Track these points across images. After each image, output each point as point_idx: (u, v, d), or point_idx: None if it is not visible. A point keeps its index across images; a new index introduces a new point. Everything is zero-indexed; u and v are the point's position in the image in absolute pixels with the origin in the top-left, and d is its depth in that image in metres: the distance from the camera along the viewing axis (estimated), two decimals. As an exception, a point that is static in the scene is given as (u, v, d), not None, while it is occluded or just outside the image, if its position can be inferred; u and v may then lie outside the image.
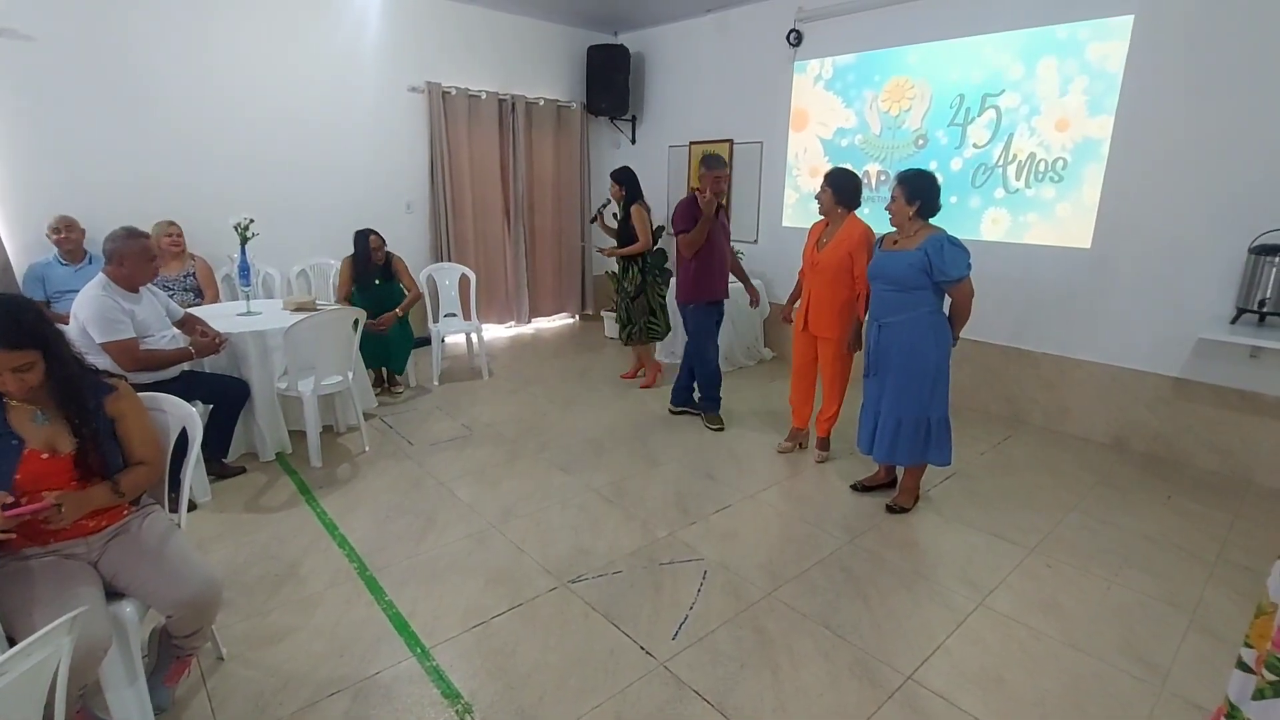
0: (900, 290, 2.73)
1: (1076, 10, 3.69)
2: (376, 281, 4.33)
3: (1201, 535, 2.85)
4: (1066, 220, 3.89)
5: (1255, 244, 3.15)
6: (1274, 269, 3.06)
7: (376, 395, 4.32)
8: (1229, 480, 3.41)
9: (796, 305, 3.44)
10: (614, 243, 4.50)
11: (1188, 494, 3.24)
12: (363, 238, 4.28)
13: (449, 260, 5.59)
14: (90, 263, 3.78)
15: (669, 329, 4.65)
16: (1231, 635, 2.18)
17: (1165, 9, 3.40)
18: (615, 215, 4.48)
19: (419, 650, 2.06)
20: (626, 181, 4.29)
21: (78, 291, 2.69)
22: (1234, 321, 3.25)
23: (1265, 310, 3.11)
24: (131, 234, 2.70)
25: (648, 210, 4.34)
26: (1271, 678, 1.03)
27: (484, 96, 5.70)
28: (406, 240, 5.56)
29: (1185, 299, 3.50)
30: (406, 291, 4.45)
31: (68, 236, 3.73)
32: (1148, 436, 3.72)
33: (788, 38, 5.02)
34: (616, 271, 4.65)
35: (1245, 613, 2.32)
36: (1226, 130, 3.28)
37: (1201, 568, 2.61)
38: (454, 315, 5.05)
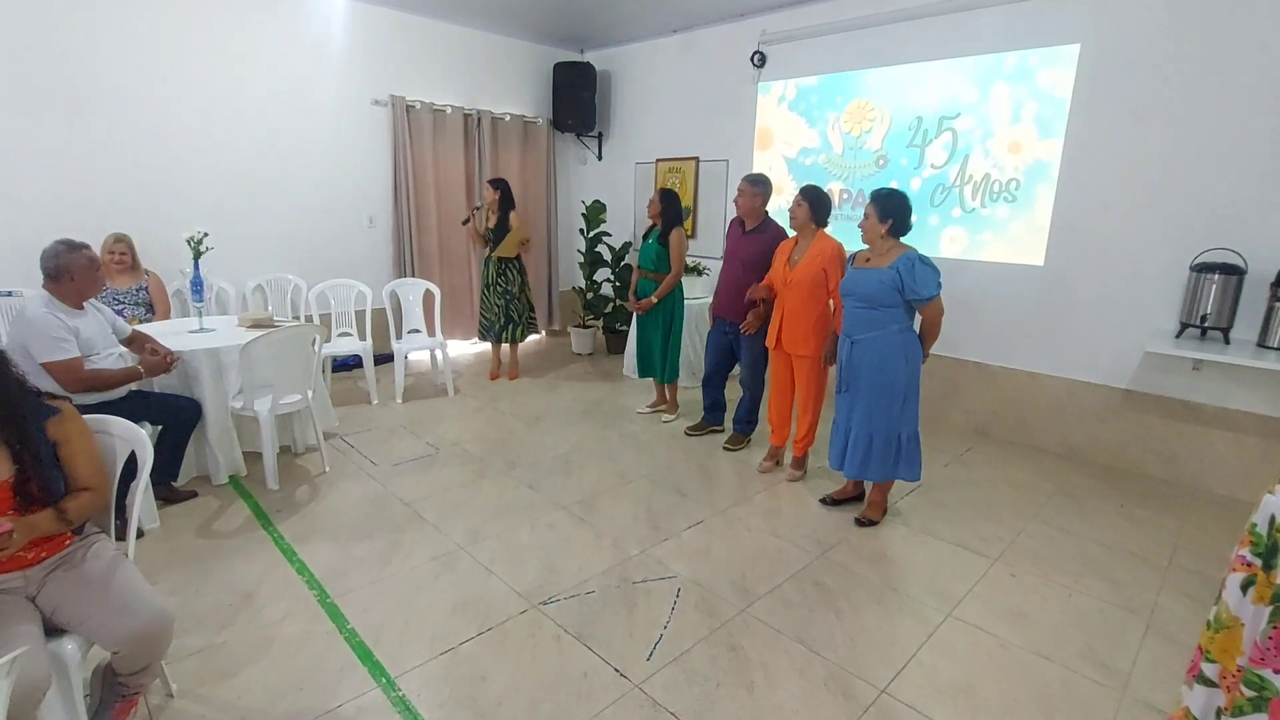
0: (871, 307, 2.78)
1: (1026, 39, 3.86)
2: (648, 240, 4.18)
3: (1153, 541, 2.96)
4: (1020, 238, 4.04)
5: (1196, 262, 3.32)
6: (1213, 285, 3.22)
7: (648, 411, 4.38)
8: (1176, 487, 3.55)
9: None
10: (481, 244, 4.87)
11: (1139, 502, 3.37)
12: None
13: (412, 276, 5.50)
14: None
15: None
16: (1186, 639, 2.25)
17: (1109, 40, 3.58)
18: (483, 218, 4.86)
19: (384, 680, 1.98)
20: (505, 189, 4.77)
21: None
22: (1178, 336, 3.40)
23: (1206, 325, 3.27)
24: (72, 246, 2.58)
25: None
26: (1250, 694, 1.05)
27: (449, 111, 5.65)
28: (369, 255, 5.46)
29: (1133, 314, 3.66)
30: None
31: None
32: (1100, 446, 3.86)
33: (752, 59, 5.12)
34: (489, 272, 4.88)
35: (1198, 616, 2.41)
36: (1168, 154, 3.46)
37: (1155, 573, 2.70)
38: (418, 331, 4.96)
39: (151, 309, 3.87)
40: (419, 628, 2.22)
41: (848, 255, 3.04)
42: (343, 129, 5.15)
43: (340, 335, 4.74)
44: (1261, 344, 3.19)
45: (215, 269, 4.25)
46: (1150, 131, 3.49)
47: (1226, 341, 3.28)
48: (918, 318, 2.83)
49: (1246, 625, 1.08)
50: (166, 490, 3.01)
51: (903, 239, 2.81)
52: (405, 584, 2.47)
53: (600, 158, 6.73)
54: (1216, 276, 3.21)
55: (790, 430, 3.56)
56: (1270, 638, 1.03)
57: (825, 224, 3.24)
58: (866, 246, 2.88)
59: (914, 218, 2.82)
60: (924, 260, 2.70)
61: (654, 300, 4.10)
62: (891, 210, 2.74)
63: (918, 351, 2.82)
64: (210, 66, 4.45)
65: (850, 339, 2.88)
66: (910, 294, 2.70)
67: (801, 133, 5.02)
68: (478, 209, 4.84)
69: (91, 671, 1.74)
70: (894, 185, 4.30)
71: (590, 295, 6.21)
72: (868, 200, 2.81)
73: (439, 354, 4.87)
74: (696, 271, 5.25)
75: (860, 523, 3.01)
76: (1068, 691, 2.01)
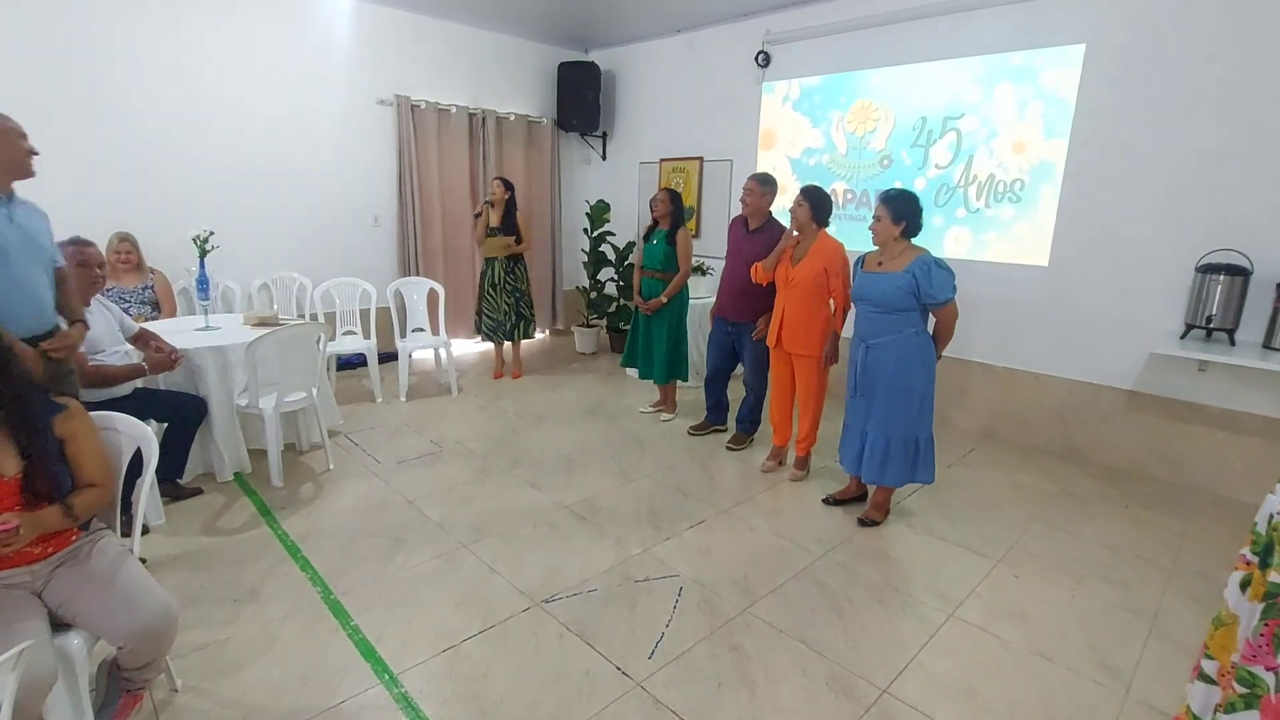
0: (886, 312, 2.76)
1: (1031, 39, 3.85)
2: (652, 241, 4.20)
3: (1157, 543, 2.95)
4: (1025, 239, 4.03)
5: (1201, 263, 3.30)
6: (1219, 286, 3.20)
7: (650, 411, 4.43)
8: (1180, 489, 3.53)
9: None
10: (487, 241, 4.85)
11: (1143, 503, 3.35)
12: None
13: (417, 275, 5.51)
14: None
15: None
16: (1189, 641, 2.24)
17: (1114, 40, 3.57)
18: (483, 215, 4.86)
19: (386, 677, 1.99)
20: (513, 189, 4.84)
21: None
22: (1183, 337, 3.39)
23: (1211, 326, 3.26)
24: (72, 242, 2.60)
25: None
26: (1242, 690, 1.05)
27: (454, 110, 5.67)
28: (373, 254, 5.47)
29: (1137, 315, 3.64)
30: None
31: None
32: (1104, 448, 3.84)
33: (756, 59, 5.12)
34: (495, 270, 4.89)
35: (1202, 619, 2.39)
36: (1173, 155, 3.44)
37: (1159, 575, 2.69)
38: (422, 330, 4.97)
39: (157, 307, 3.90)
40: (421, 625, 2.23)
41: (856, 258, 3.02)
42: (348, 128, 5.17)
43: (345, 334, 4.75)
44: (1267, 345, 3.18)
45: (221, 268, 4.27)
46: (1155, 132, 3.48)
47: (1232, 343, 3.26)
48: (930, 318, 2.81)
49: (1242, 622, 1.08)
50: (172, 487, 3.03)
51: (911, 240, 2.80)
52: (408, 582, 2.48)
53: (604, 157, 6.73)
54: (1222, 278, 3.19)
55: (792, 430, 3.56)
56: (1261, 634, 1.03)
57: (826, 224, 3.23)
58: (876, 249, 2.86)
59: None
60: (939, 263, 2.67)
61: (664, 300, 4.11)
62: (905, 212, 2.71)
63: (932, 354, 2.80)
64: (215, 66, 4.47)
65: (865, 343, 2.84)
66: (926, 298, 2.68)
67: (805, 133, 5.02)
68: (487, 203, 4.83)
69: (97, 666, 1.75)
70: (898, 185, 4.30)
71: (594, 295, 6.22)
72: (876, 201, 2.79)
73: (443, 353, 4.88)
74: (701, 271, 5.24)
75: (863, 523, 3.00)
76: (1070, 693, 2.01)
